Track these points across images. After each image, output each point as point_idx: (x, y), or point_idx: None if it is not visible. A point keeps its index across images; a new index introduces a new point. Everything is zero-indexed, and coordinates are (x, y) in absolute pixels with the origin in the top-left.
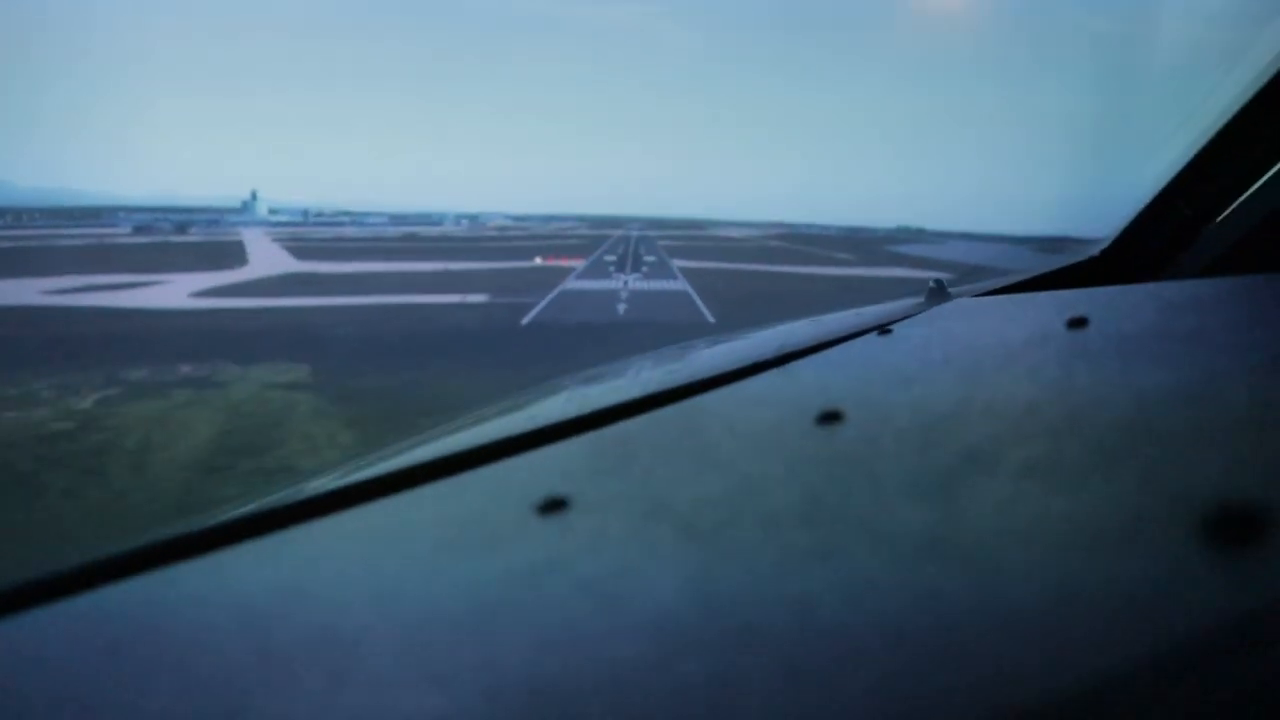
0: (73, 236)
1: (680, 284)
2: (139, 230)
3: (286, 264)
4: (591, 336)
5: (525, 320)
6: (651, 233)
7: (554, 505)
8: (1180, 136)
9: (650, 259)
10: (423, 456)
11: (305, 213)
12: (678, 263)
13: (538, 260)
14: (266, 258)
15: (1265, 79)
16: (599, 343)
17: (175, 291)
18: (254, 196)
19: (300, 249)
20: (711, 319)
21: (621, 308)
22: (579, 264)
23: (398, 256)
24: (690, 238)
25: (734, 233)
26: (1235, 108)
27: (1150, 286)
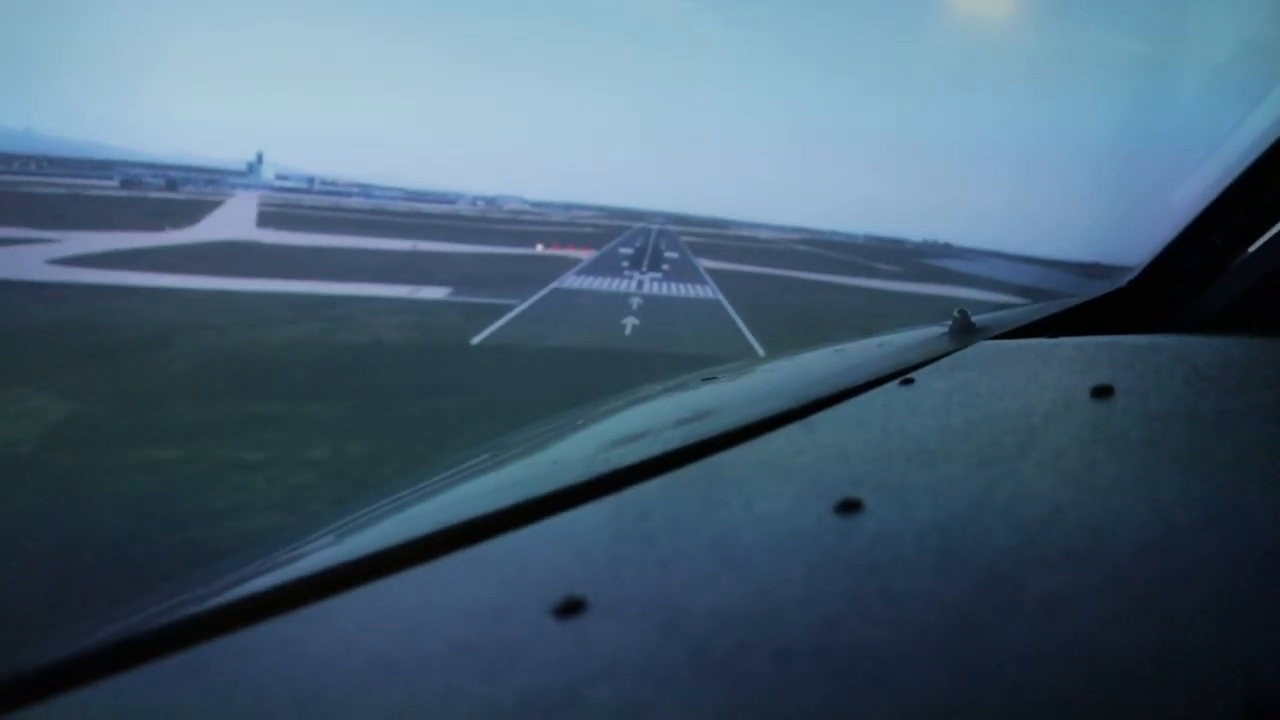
0: (42, 185)
1: (710, 290)
2: (125, 184)
3: (240, 230)
4: (571, 374)
5: (479, 337)
6: (673, 227)
7: (572, 607)
8: (1212, 165)
9: (672, 255)
10: (422, 525)
11: (311, 180)
12: (704, 263)
13: (538, 248)
14: (227, 222)
15: None
16: (580, 388)
17: (43, 254)
18: (259, 159)
19: (274, 215)
20: (760, 349)
21: (630, 323)
22: (587, 255)
23: (376, 232)
24: (714, 235)
25: (758, 234)
26: (1267, 142)
27: (1178, 342)
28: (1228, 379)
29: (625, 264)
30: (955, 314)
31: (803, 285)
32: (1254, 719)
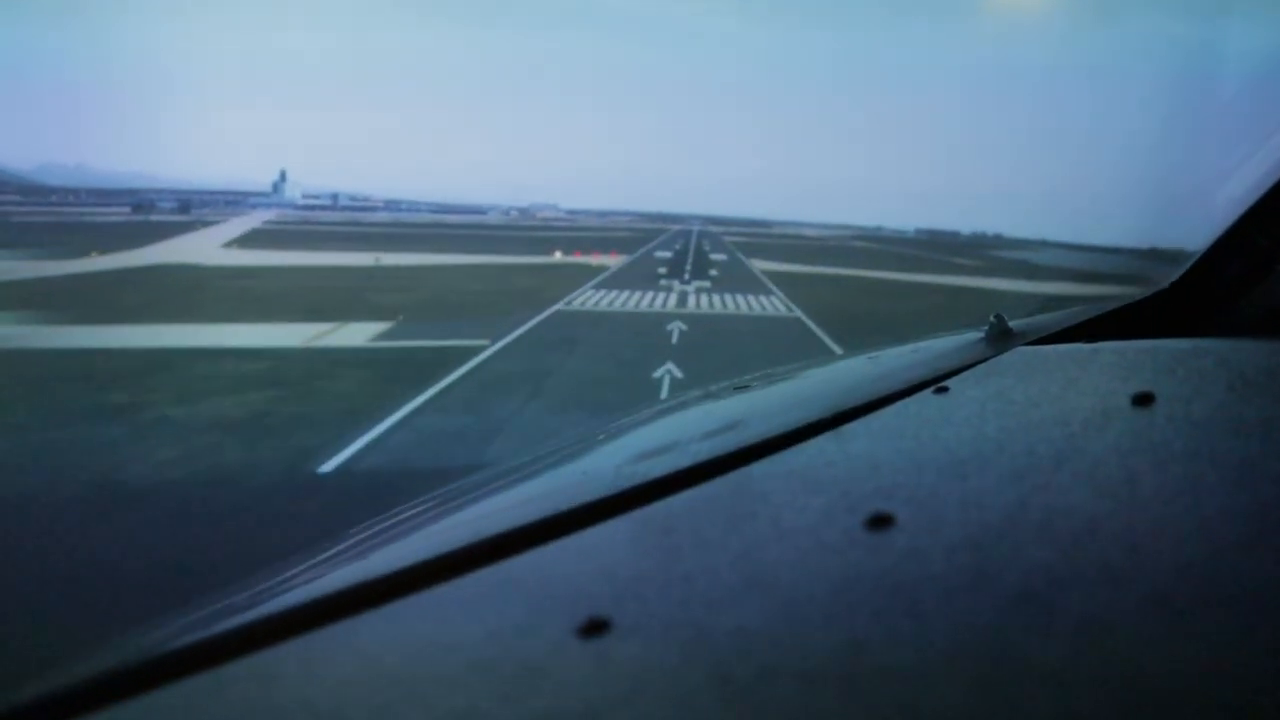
0: (47, 214)
1: (778, 302)
2: (137, 209)
3: (192, 253)
4: None
5: (337, 460)
6: (713, 228)
7: (596, 627)
8: (1257, 162)
9: (719, 257)
10: (446, 542)
11: (335, 196)
12: (759, 264)
13: (556, 255)
14: (188, 244)
15: None
16: None
17: None
18: (282, 177)
19: (260, 233)
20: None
21: (668, 376)
22: (615, 261)
23: (353, 246)
24: (759, 234)
25: (804, 232)
26: None
27: (1222, 345)
28: (1274, 384)
29: (663, 270)
30: (992, 318)
31: (889, 288)
32: None
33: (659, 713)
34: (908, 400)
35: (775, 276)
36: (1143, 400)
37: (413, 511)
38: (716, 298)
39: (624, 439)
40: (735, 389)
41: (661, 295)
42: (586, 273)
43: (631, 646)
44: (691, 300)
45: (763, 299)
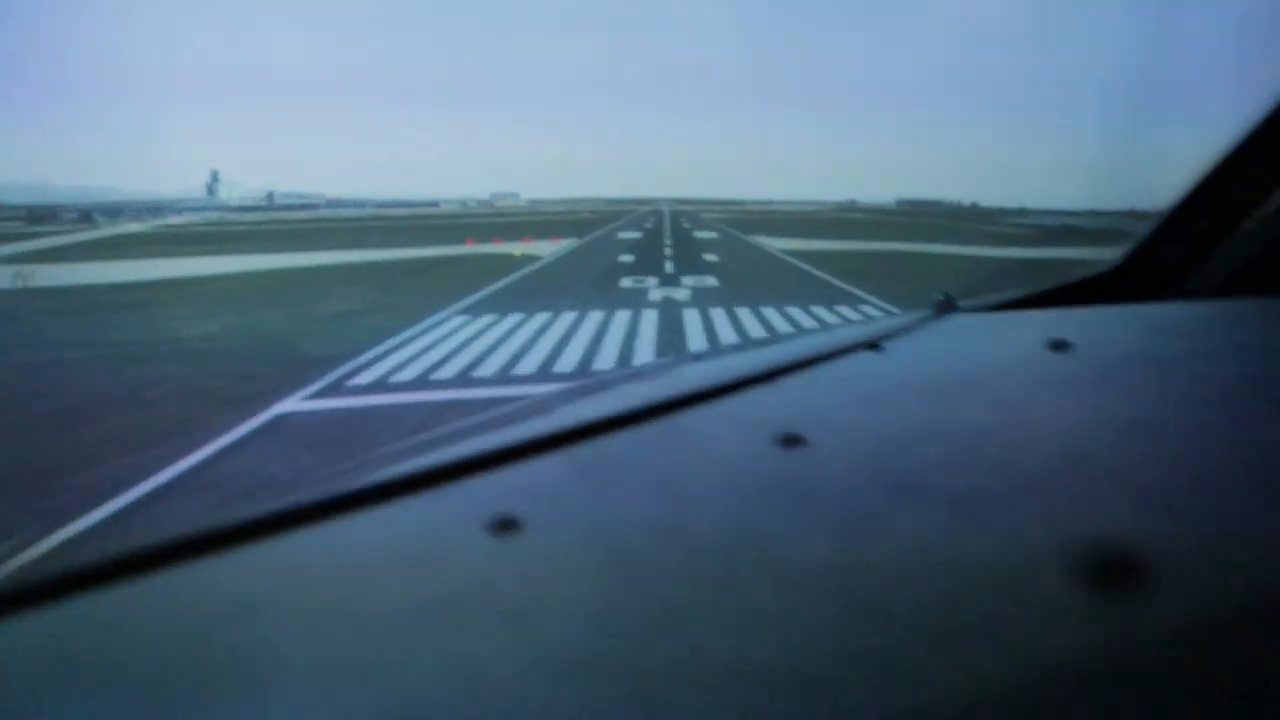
0: None
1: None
2: (32, 220)
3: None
4: None
5: None
6: (687, 208)
7: (506, 525)
8: (1205, 144)
9: (707, 236)
10: (378, 477)
11: (270, 195)
12: (773, 242)
13: (468, 245)
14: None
15: None
16: None
17: None
18: (214, 179)
19: (117, 240)
20: None
21: None
22: (551, 249)
23: (248, 249)
24: (739, 211)
25: (783, 208)
26: (1259, 118)
27: (1146, 307)
28: (1185, 333)
29: (628, 260)
30: (938, 296)
31: (952, 263)
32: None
33: (564, 599)
34: (844, 357)
35: (804, 257)
36: (1058, 346)
37: (350, 463)
38: (741, 313)
39: (571, 394)
40: (695, 358)
41: (620, 326)
42: (487, 273)
43: (539, 540)
44: (690, 326)
45: (824, 310)
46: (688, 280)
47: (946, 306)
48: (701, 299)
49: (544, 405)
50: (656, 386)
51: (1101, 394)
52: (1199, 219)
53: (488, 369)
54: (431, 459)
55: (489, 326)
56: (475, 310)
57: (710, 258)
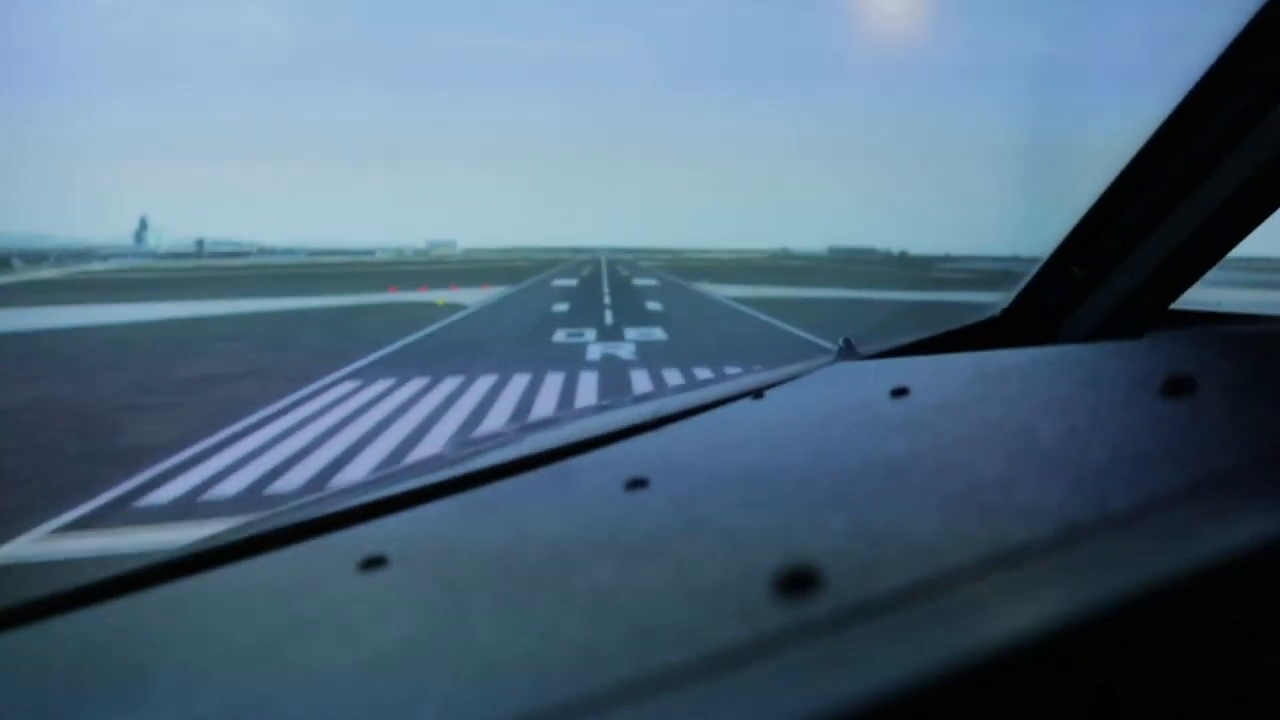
0: None
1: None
2: None
3: None
4: None
5: None
6: (624, 256)
7: (373, 563)
8: (1084, 189)
9: (646, 284)
10: (267, 526)
11: (200, 243)
12: (716, 290)
13: (390, 294)
14: None
15: (1153, 131)
16: None
17: None
18: (143, 225)
19: (37, 286)
20: None
21: None
22: (478, 298)
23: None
24: (677, 259)
25: (719, 256)
26: (1124, 161)
27: (986, 354)
28: (1015, 378)
29: (562, 309)
30: (840, 343)
31: (928, 311)
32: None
33: (419, 626)
34: (729, 406)
35: (766, 307)
36: (899, 393)
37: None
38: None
39: (478, 448)
40: (600, 409)
41: (550, 395)
42: (400, 325)
43: (406, 576)
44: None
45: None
46: (631, 333)
47: (847, 353)
48: (650, 356)
49: (438, 459)
50: (547, 437)
51: (902, 437)
52: (1070, 269)
53: (358, 469)
54: (314, 511)
55: (379, 398)
56: (371, 373)
57: (653, 305)
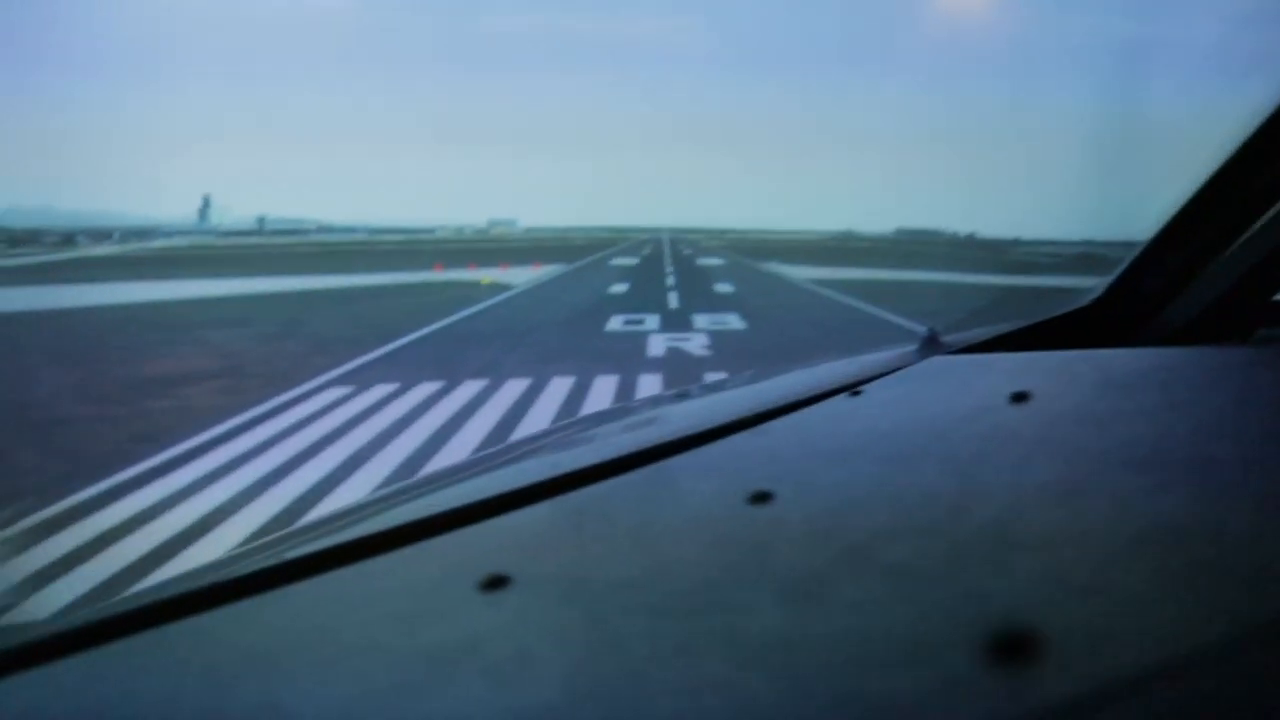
0: None
1: None
2: (11, 242)
3: None
4: None
5: None
6: (688, 236)
7: (496, 582)
8: (1181, 177)
9: (711, 264)
10: (367, 529)
11: (262, 220)
12: (797, 271)
13: (436, 272)
14: None
15: (1256, 124)
16: None
17: None
18: (206, 204)
19: (91, 262)
20: None
21: None
22: (529, 276)
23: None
24: (743, 240)
25: (781, 239)
26: (1225, 156)
27: (1108, 353)
28: (1142, 383)
29: (620, 290)
30: (925, 331)
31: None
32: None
33: (549, 657)
34: (824, 403)
35: (844, 289)
36: (1019, 398)
37: (337, 518)
38: None
39: (557, 440)
40: (678, 396)
41: (595, 409)
42: (432, 308)
43: (528, 599)
44: None
45: None
46: (701, 320)
47: (931, 343)
48: (726, 350)
49: (529, 450)
50: (638, 432)
51: (1043, 454)
52: (1169, 259)
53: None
54: (421, 511)
55: (362, 417)
56: (371, 373)
57: (723, 288)
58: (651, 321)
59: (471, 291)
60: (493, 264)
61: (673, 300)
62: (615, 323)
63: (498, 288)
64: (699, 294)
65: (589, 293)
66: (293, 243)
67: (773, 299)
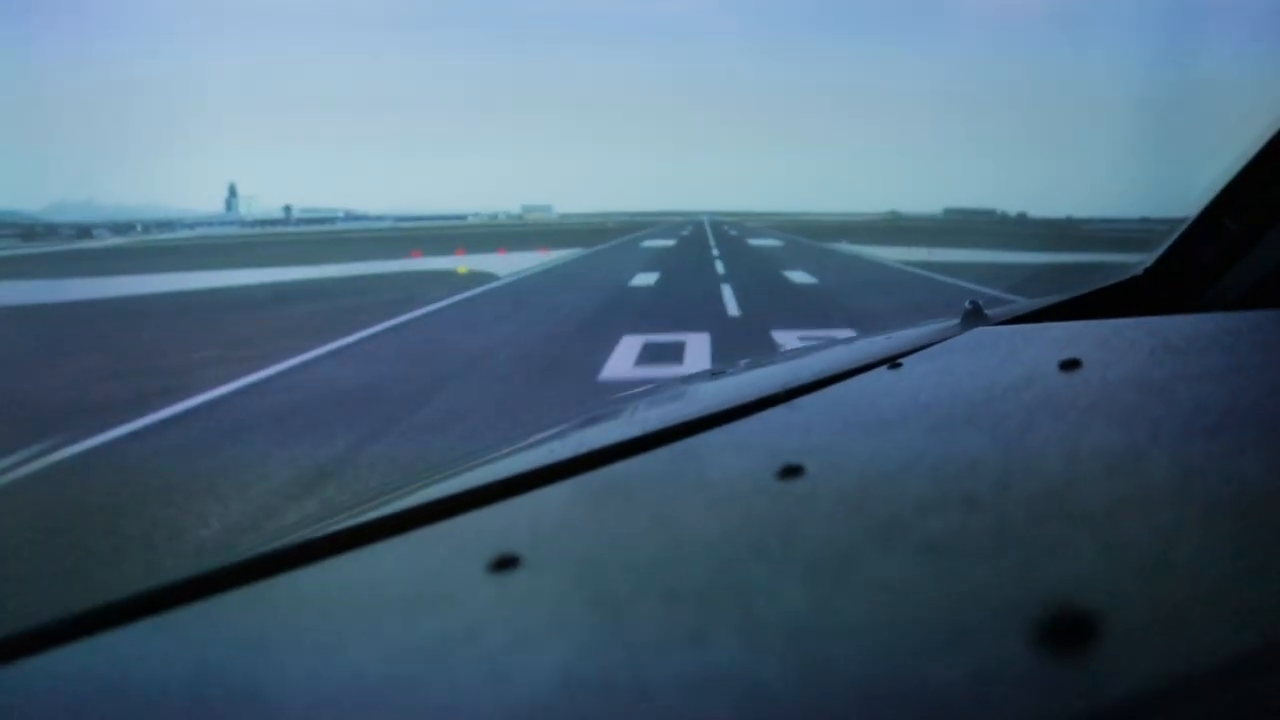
0: None
1: None
2: (27, 237)
3: None
4: None
5: None
6: (729, 219)
7: (505, 563)
8: (1234, 146)
9: (766, 244)
10: (379, 512)
11: (288, 209)
12: (863, 251)
13: (414, 258)
14: None
15: None
16: None
17: None
18: (232, 193)
19: (92, 254)
20: None
21: None
22: (541, 259)
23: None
24: (786, 222)
25: (829, 220)
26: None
27: (1163, 320)
28: (1197, 349)
29: (645, 288)
30: (967, 305)
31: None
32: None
33: (551, 640)
34: (862, 376)
35: (951, 273)
36: (1069, 365)
37: (352, 499)
38: None
39: (591, 420)
40: (712, 375)
41: None
42: (361, 311)
43: (535, 580)
44: None
45: None
46: (783, 335)
47: (974, 315)
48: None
49: (554, 433)
50: (665, 409)
51: (1099, 422)
52: (1224, 227)
53: None
54: (436, 493)
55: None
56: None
57: (800, 278)
58: (699, 342)
59: (447, 282)
60: (489, 249)
61: (729, 302)
62: (628, 343)
63: (480, 277)
64: (765, 288)
65: (602, 286)
66: (304, 232)
67: (880, 295)
